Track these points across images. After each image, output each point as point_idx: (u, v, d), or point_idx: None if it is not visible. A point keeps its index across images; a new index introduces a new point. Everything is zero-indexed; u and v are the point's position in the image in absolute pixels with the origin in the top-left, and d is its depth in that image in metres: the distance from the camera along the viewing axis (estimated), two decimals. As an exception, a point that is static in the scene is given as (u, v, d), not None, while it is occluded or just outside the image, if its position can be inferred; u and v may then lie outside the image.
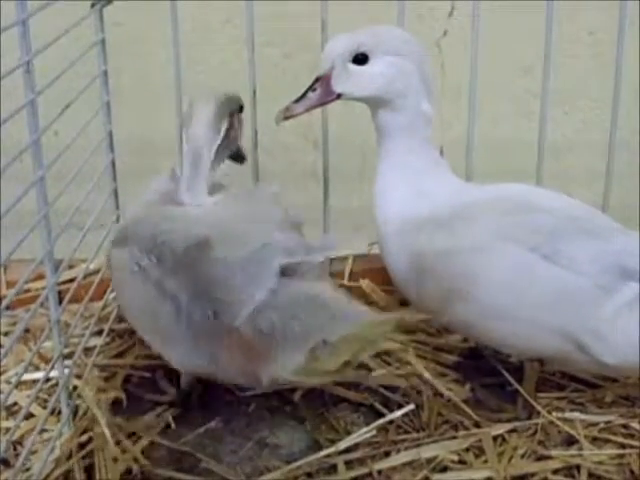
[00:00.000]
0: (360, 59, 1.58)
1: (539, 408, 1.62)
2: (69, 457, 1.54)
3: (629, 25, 1.88)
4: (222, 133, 1.68)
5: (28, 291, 1.96)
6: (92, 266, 1.89)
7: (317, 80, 1.60)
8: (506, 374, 1.68)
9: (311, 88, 1.61)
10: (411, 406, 1.62)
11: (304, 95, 1.61)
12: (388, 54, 1.58)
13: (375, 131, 1.65)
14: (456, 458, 1.55)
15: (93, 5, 1.85)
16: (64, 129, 1.69)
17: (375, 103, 1.62)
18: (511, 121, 2.22)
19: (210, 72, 2.17)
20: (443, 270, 1.57)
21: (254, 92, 1.88)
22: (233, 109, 1.72)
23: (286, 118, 1.61)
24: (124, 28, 2.12)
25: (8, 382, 1.68)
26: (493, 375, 1.72)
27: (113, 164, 1.97)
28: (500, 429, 1.61)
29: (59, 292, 1.61)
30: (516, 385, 1.66)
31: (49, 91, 1.52)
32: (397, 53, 1.58)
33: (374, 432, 1.58)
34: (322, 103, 1.62)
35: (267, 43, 2.12)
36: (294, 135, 2.16)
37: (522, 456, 1.55)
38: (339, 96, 1.61)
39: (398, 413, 1.61)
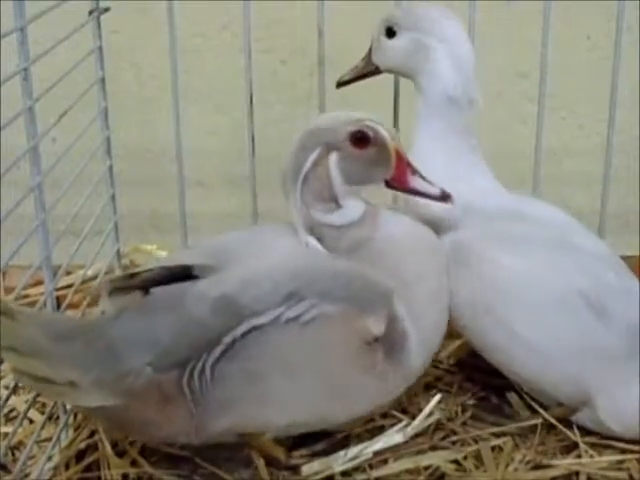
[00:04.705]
0: (391, 32, 1.62)
1: (541, 411, 1.61)
2: (67, 463, 1.54)
3: (627, 30, 1.88)
4: (304, 169, 1.48)
5: (27, 297, 1.96)
6: (90, 272, 1.89)
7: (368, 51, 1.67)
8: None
9: (363, 57, 1.67)
10: (404, 422, 1.60)
11: (357, 64, 1.68)
12: (412, 30, 1.59)
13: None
14: (454, 466, 1.54)
15: (91, 13, 1.85)
16: (62, 136, 1.69)
17: (409, 77, 1.63)
18: (508, 126, 2.22)
19: (207, 79, 2.18)
20: (484, 273, 1.54)
21: (251, 98, 1.88)
22: (330, 140, 1.47)
23: (339, 85, 1.69)
24: (121, 35, 2.13)
25: (6, 387, 1.68)
26: (494, 376, 1.71)
27: (111, 170, 1.97)
28: (499, 436, 1.60)
29: (57, 298, 1.61)
30: (517, 389, 1.66)
31: (47, 98, 1.52)
32: (421, 30, 1.59)
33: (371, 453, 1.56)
34: (364, 73, 1.68)
35: (264, 50, 2.12)
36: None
37: (520, 462, 1.54)
38: (377, 68, 1.66)
39: (394, 429, 1.58)
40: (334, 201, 1.48)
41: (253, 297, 1.38)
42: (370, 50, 1.66)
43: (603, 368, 1.51)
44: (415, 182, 1.48)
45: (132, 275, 1.44)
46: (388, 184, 1.49)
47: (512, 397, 1.69)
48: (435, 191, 1.48)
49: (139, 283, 1.42)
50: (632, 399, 1.51)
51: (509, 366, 1.59)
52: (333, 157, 1.46)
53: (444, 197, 1.48)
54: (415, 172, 1.48)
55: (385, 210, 1.53)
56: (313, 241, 1.49)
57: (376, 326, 1.43)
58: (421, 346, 1.49)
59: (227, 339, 1.36)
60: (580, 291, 1.51)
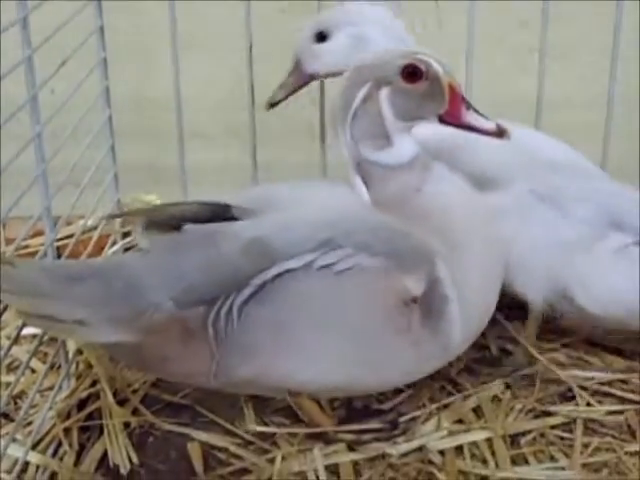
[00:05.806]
0: (322, 37, 1.62)
1: (538, 356, 1.63)
2: (69, 412, 1.56)
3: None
4: (354, 106, 1.40)
5: (27, 247, 1.97)
6: (90, 222, 1.89)
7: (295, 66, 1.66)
8: (505, 323, 1.72)
9: (289, 73, 1.66)
10: (410, 391, 1.61)
11: (285, 81, 1.66)
12: (345, 27, 1.61)
13: None
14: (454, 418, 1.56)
15: (89, -39, 1.84)
16: (61, 87, 1.68)
17: None
18: (509, 76, 2.21)
19: (206, 27, 2.17)
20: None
21: (250, 47, 1.87)
22: (381, 75, 1.38)
23: (271, 106, 1.67)
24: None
25: (8, 337, 1.69)
26: (494, 325, 1.72)
27: (110, 120, 1.97)
28: (497, 387, 1.61)
29: (57, 248, 1.63)
30: (515, 334, 1.69)
31: (46, 49, 1.51)
32: (353, 24, 1.61)
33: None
34: (299, 86, 1.67)
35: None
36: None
37: (520, 411, 1.56)
38: (312, 77, 1.66)
39: (395, 400, 1.60)
40: (385, 138, 1.40)
41: (287, 241, 1.32)
42: (297, 63, 1.65)
43: (573, 257, 1.54)
44: (470, 117, 1.38)
45: (168, 206, 1.43)
46: (441, 119, 1.39)
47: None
48: (491, 126, 1.38)
49: (174, 220, 1.39)
50: (607, 280, 1.54)
51: None
52: (384, 92, 1.38)
53: (500, 132, 1.37)
54: (470, 107, 1.39)
55: (440, 164, 1.44)
56: (360, 183, 1.42)
57: (415, 285, 1.34)
58: (463, 318, 1.38)
59: (257, 281, 1.30)
60: (533, 192, 1.57)
